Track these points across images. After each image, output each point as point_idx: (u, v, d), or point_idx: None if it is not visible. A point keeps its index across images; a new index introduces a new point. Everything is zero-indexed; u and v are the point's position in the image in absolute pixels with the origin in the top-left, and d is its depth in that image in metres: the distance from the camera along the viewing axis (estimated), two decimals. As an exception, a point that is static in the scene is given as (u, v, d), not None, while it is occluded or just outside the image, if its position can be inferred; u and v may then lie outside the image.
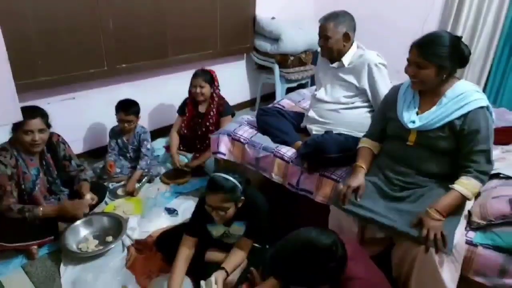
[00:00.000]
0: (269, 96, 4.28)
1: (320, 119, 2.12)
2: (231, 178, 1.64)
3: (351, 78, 2.03)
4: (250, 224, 1.76)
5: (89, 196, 2.09)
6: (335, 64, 2.07)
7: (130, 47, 2.77)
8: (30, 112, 1.88)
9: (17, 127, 1.88)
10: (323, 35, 2.01)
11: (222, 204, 1.61)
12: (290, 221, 2.14)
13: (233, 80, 3.90)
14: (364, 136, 1.85)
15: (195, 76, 2.75)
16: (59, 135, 2.15)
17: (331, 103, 2.10)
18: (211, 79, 2.77)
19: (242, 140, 2.24)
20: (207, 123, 2.81)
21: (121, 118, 2.60)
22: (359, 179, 1.66)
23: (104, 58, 2.65)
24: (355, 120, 2.05)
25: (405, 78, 1.70)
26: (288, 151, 2.07)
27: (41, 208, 1.93)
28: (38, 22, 2.29)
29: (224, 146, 2.30)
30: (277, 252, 1.23)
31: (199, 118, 2.84)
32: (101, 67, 2.66)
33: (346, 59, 2.03)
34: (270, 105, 2.66)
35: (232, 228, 1.79)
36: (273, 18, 3.79)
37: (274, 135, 2.18)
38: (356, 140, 1.99)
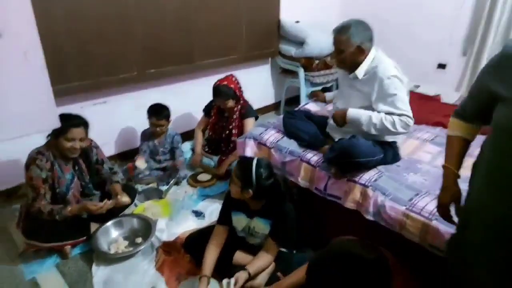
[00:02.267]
0: (294, 100, 4.27)
1: (341, 128, 2.08)
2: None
3: (366, 89, 1.95)
4: (274, 224, 1.76)
5: (124, 199, 2.17)
6: (351, 75, 2.01)
7: (158, 52, 2.83)
8: (75, 121, 1.97)
9: (59, 134, 1.95)
10: (336, 48, 1.95)
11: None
12: (319, 226, 2.14)
13: (258, 84, 3.92)
14: (455, 114, 1.27)
15: (217, 95, 2.71)
16: (91, 140, 2.22)
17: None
18: (234, 93, 2.71)
19: (268, 144, 2.25)
20: (230, 126, 2.83)
21: (153, 122, 2.69)
22: (451, 191, 1.21)
23: (134, 63, 2.73)
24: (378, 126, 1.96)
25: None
26: (314, 156, 2.07)
27: (68, 209, 2.00)
28: (70, 28, 2.37)
29: (250, 150, 2.32)
30: (318, 263, 1.18)
31: (224, 122, 2.87)
32: (130, 72, 2.74)
33: (360, 71, 1.95)
34: (296, 108, 2.66)
35: (255, 222, 1.80)
36: (297, 22, 3.79)
37: (301, 138, 2.17)
38: (384, 144, 1.96)
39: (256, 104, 3.88)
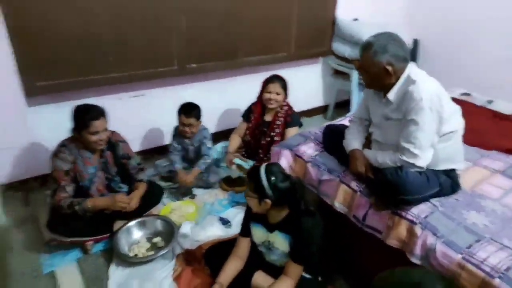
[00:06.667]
0: (345, 103, 3.98)
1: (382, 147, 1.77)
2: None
3: (400, 116, 1.62)
4: (294, 242, 1.60)
5: (133, 202, 2.06)
6: (384, 99, 1.69)
7: (201, 46, 2.70)
8: (93, 113, 1.89)
9: (81, 129, 1.90)
10: (360, 66, 1.67)
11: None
12: (352, 256, 1.90)
13: (306, 85, 3.68)
14: None
15: (271, 81, 2.59)
16: (118, 134, 2.15)
17: (389, 145, 1.71)
18: (286, 86, 2.63)
19: (304, 157, 2.03)
20: (272, 133, 2.65)
21: (182, 121, 2.53)
22: None
23: (175, 57, 2.62)
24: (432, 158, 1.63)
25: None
26: (356, 179, 1.80)
27: (89, 202, 1.94)
28: (110, 18, 2.30)
29: (285, 161, 2.11)
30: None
31: (264, 127, 2.69)
32: (170, 66, 2.64)
33: (391, 94, 1.63)
34: (341, 120, 2.39)
35: (274, 236, 1.66)
36: (355, 19, 3.48)
37: (341, 159, 1.91)
38: (440, 173, 1.66)
39: (303, 106, 3.67)
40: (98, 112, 1.92)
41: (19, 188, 2.49)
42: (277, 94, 2.58)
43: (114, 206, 2.00)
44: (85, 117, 1.88)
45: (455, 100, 1.77)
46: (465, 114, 1.71)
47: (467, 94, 2.98)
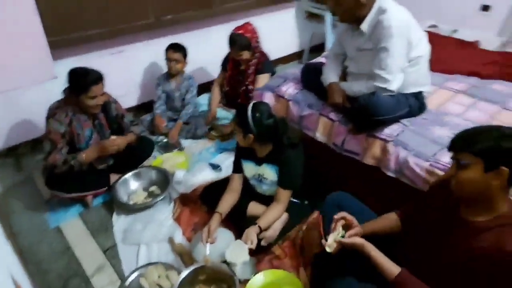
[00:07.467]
0: (320, 48, 4.03)
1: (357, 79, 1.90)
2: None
3: (372, 46, 1.73)
4: (280, 170, 1.76)
5: (120, 141, 2.10)
6: (357, 31, 1.79)
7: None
8: (92, 77, 1.89)
9: (79, 92, 1.90)
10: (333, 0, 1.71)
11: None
12: (334, 182, 2.08)
13: (281, 31, 3.70)
14: None
15: (231, 44, 2.55)
16: (109, 95, 2.17)
17: (363, 75, 1.84)
18: (249, 44, 2.54)
19: (286, 96, 2.14)
20: (246, 82, 2.70)
21: (169, 56, 2.63)
22: None
23: (150, 9, 2.61)
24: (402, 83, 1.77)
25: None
26: (334, 110, 1.94)
27: (83, 154, 1.99)
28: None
29: (268, 102, 2.22)
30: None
31: (240, 76, 2.74)
32: (146, 19, 2.63)
33: (364, 25, 1.71)
34: (316, 59, 2.49)
35: (263, 169, 1.81)
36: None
37: (320, 94, 2.02)
38: (409, 95, 1.81)
39: (278, 53, 3.72)
40: (97, 77, 1.91)
41: (10, 155, 2.53)
42: (240, 55, 2.56)
43: (105, 150, 2.04)
44: (84, 81, 1.87)
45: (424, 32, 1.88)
46: (432, 45, 1.83)
47: (434, 26, 3.11)
